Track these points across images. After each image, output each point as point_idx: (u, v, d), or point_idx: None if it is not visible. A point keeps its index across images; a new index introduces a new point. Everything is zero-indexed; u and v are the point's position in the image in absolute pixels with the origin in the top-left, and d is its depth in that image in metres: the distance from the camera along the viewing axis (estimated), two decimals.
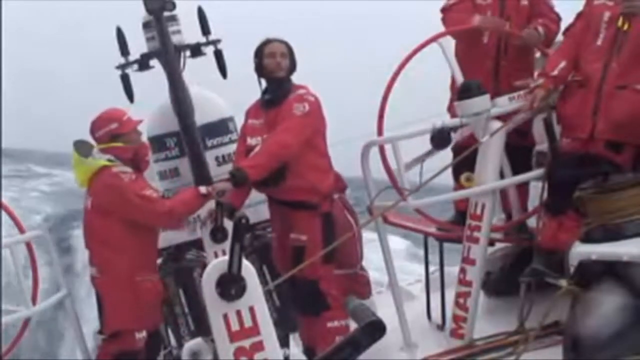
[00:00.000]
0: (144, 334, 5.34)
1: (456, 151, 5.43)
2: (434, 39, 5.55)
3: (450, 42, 5.60)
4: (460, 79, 5.47)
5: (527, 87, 5.16)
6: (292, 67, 5.40)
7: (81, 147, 5.37)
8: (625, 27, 4.78)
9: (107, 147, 5.32)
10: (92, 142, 5.40)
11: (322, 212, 5.28)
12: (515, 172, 5.50)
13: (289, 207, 5.35)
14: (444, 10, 5.82)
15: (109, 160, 5.30)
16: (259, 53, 5.38)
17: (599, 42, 4.86)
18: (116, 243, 5.29)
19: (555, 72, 5.01)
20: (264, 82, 5.46)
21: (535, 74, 5.55)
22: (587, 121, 4.82)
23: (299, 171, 5.23)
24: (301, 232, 5.29)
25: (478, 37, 5.66)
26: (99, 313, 5.43)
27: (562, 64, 5.00)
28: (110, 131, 5.34)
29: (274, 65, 5.32)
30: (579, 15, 5.12)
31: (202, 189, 5.26)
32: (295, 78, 5.47)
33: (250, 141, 5.37)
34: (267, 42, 5.39)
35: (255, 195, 5.55)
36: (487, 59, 5.66)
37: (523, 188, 5.76)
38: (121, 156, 5.33)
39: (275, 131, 5.22)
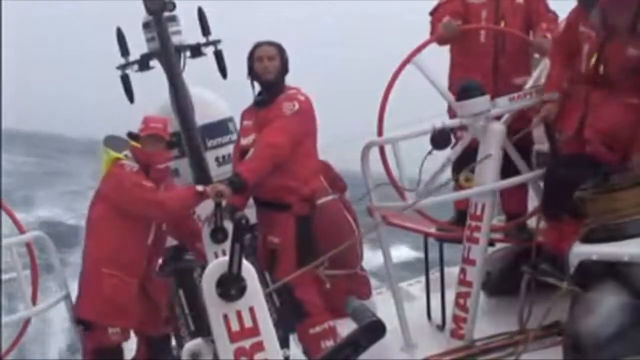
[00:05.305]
0: (117, 330, 5.42)
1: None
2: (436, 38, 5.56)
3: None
4: (444, 92, 5.45)
5: (524, 84, 5.16)
6: (283, 69, 5.35)
7: (110, 141, 5.73)
8: (601, 70, 4.77)
9: (131, 145, 5.53)
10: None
11: (297, 214, 5.21)
12: (516, 172, 5.49)
13: (266, 208, 5.34)
14: (432, 13, 5.78)
15: (125, 156, 5.51)
16: (251, 56, 5.38)
17: (583, 70, 4.88)
18: (99, 230, 5.47)
19: (565, 85, 5.03)
20: (257, 85, 5.43)
21: (534, 73, 5.56)
22: (576, 128, 4.85)
23: (283, 171, 5.18)
24: (275, 235, 5.27)
25: (475, 36, 5.65)
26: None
27: (566, 76, 5.02)
28: (138, 130, 5.54)
29: (262, 69, 5.31)
30: (566, 26, 5.08)
31: (199, 187, 5.26)
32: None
33: (243, 141, 5.38)
34: (257, 45, 5.39)
35: None
36: (486, 57, 5.65)
37: (523, 188, 5.75)
38: (136, 157, 5.51)
39: (265, 132, 5.19)
